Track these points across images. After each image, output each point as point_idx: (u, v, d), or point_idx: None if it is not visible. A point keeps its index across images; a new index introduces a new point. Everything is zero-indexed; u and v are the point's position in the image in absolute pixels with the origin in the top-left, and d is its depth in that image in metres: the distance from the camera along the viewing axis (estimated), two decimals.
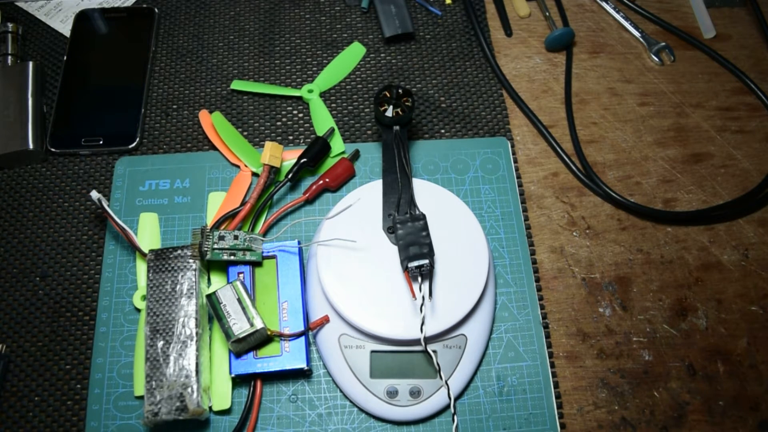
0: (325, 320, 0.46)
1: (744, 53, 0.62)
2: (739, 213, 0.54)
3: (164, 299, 0.45)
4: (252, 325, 0.43)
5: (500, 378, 0.46)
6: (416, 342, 0.44)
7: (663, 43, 0.62)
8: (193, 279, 0.45)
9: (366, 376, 0.45)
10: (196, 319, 0.44)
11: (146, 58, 0.59)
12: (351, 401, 0.45)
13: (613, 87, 0.60)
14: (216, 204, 0.52)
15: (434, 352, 0.45)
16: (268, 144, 0.50)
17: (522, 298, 0.49)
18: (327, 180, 0.52)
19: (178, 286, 0.45)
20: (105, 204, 0.47)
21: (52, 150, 0.54)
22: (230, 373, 0.44)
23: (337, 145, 0.54)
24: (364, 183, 0.52)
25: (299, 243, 0.48)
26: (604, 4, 0.65)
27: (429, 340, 0.45)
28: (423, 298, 0.43)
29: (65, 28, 0.61)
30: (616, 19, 0.64)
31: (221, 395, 0.44)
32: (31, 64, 0.57)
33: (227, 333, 0.43)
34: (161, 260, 0.46)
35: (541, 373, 0.47)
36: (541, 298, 0.49)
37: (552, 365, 0.47)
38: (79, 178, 0.54)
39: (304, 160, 0.52)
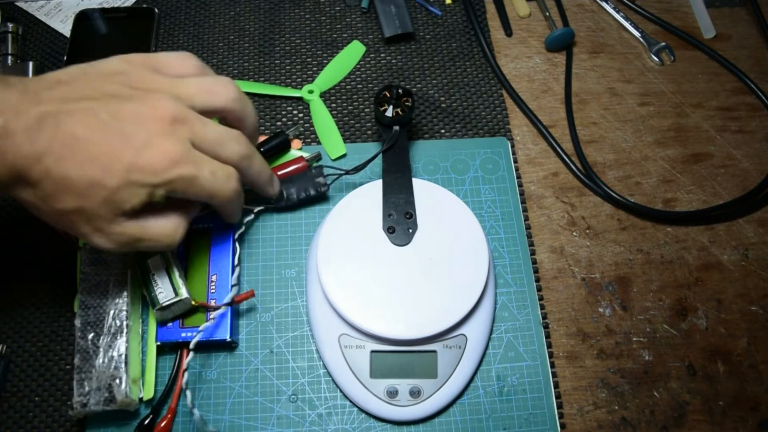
0: (251, 295, 0.46)
1: (744, 53, 0.62)
2: (739, 213, 0.54)
3: (96, 292, 0.45)
4: (177, 294, 0.43)
5: (500, 378, 0.46)
6: (416, 342, 0.44)
7: (663, 43, 0.62)
8: (125, 271, 0.45)
9: (366, 376, 0.45)
10: (127, 311, 0.44)
11: None
12: (351, 401, 0.45)
13: (613, 87, 0.60)
14: None
15: (434, 352, 0.45)
16: None
17: (522, 298, 0.49)
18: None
19: (110, 279, 0.45)
20: None
21: None
22: (156, 340, 0.45)
23: (338, 146, 0.54)
24: (364, 183, 0.52)
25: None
26: (604, 4, 0.65)
27: (429, 340, 0.45)
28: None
29: (65, 28, 0.61)
30: (616, 19, 0.64)
31: (150, 384, 0.45)
32: (31, 64, 0.57)
33: (153, 301, 0.43)
34: (94, 253, 0.46)
35: (541, 373, 0.47)
36: (541, 298, 0.49)
37: (552, 365, 0.47)
38: None
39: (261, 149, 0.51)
